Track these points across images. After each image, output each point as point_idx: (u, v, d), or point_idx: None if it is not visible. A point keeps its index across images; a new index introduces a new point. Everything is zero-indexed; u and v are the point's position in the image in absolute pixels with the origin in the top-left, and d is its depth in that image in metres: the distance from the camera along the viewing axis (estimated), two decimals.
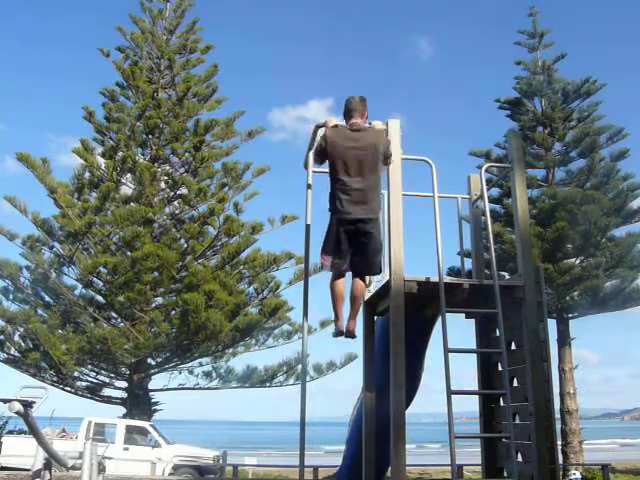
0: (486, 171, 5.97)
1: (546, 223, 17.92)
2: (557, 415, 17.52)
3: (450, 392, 4.62)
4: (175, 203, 19.95)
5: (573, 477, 14.79)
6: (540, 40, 21.39)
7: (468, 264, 7.72)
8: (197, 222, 18.63)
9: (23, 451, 13.02)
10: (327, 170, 5.03)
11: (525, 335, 5.00)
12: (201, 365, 19.91)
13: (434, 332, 5.68)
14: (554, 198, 18.39)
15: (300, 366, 16.26)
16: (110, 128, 19.79)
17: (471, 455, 14.04)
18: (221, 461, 16.89)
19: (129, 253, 17.78)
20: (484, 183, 5.69)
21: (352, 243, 4.81)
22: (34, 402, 4.14)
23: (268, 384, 19.52)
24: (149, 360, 18.73)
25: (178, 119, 20.13)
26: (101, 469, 5.10)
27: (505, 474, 5.46)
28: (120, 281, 17.11)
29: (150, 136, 19.85)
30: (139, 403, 18.33)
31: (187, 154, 19.91)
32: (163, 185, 20.17)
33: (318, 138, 5.27)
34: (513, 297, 5.10)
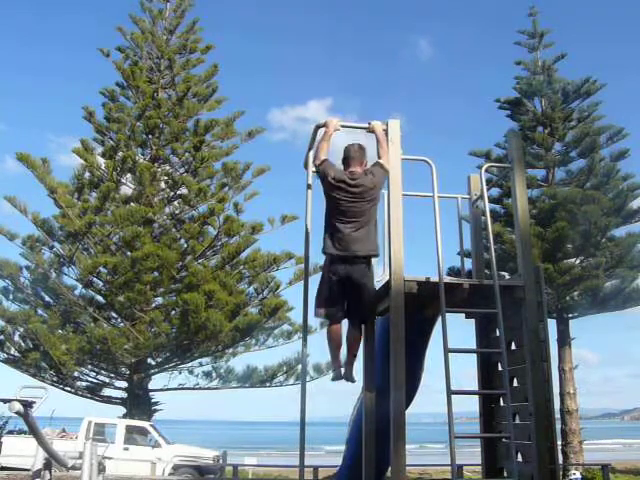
0: (486, 171, 5.96)
1: (546, 223, 17.92)
2: (557, 415, 17.52)
3: (450, 392, 4.62)
4: (175, 203, 19.96)
5: (573, 477, 14.79)
6: (540, 40, 21.39)
7: (468, 264, 7.72)
8: (197, 222, 18.63)
9: (23, 451, 13.02)
10: None
11: (525, 335, 5.00)
12: (201, 365, 19.93)
13: (434, 332, 5.67)
14: (554, 198, 18.39)
15: (300, 366, 16.28)
16: (110, 128, 19.79)
17: (471, 455, 14.05)
18: (221, 461, 16.90)
19: (129, 253, 17.78)
20: (484, 183, 5.69)
21: (346, 292, 4.90)
22: (34, 402, 4.14)
23: (268, 384, 19.52)
24: (149, 360, 18.73)
25: (178, 119, 20.13)
26: (101, 469, 5.10)
27: (505, 474, 5.46)
28: (120, 281, 17.11)
29: (150, 136, 19.85)
30: (139, 403, 18.33)
31: (187, 154, 19.91)
32: (163, 185, 20.18)
33: (318, 137, 5.28)
34: (513, 297, 5.10)
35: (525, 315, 5.02)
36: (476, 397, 5.96)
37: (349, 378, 5.03)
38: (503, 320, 4.85)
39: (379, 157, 5.12)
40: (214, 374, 19.92)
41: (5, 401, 3.83)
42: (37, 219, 18.02)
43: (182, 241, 18.95)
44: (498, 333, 5.12)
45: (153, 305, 18.85)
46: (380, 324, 5.59)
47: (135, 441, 16.28)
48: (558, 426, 17.35)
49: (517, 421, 5.17)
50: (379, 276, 5.74)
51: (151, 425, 16.97)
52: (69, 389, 18.62)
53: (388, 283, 4.89)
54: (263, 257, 18.47)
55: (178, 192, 19.71)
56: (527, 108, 21.03)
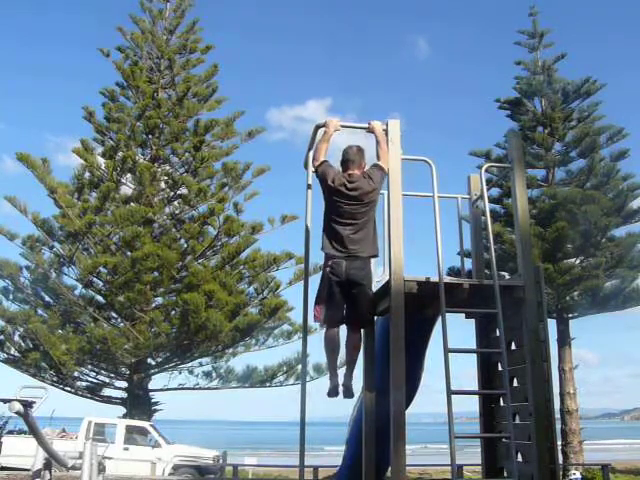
0: (486, 171, 5.96)
1: (546, 223, 17.92)
2: (557, 415, 17.52)
3: (450, 392, 4.61)
4: (175, 203, 19.96)
5: (573, 477, 14.79)
6: (540, 40, 21.39)
7: (468, 264, 7.71)
8: (197, 222, 18.64)
9: (23, 451, 13.01)
10: None
11: (525, 335, 4.99)
12: (201, 365, 19.95)
13: (434, 332, 5.67)
14: (554, 198, 18.39)
15: (300, 366, 16.27)
16: (110, 128, 19.79)
17: (471, 455, 14.05)
18: (221, 461, 16.89)
19: (129, 253, 17.78)
20: (484, 183, 5.68)
21: (344, 293, 4.87)
22: (34, 402, 4.14)
23: (268, 384, 19.53)
24: (149, 360, 18.73)
25: (178, 119, 20.13)
26: (101, 469, 5.11)
27: (505, 474, 5.45)
28: (120, 281, 17.11)
29: (150, 136, 19.85)
30: (139, 403, 18.33)
31: (187, 154, 19.92)
32: (163, 185, 20.18)
33: (318, 137, 5.28)
34: (513, 297, 5.09)
35: (525, 315, 5.01)
36: (476, 397, 5.95)
37: (347, 391, 4.97)
38: (503, 320, 4.85)
39: (378, 158, 5.12)
40: (214, 374, 19.94)
41: (5, 401, 3.83)
42: (37, 219, 18.02)
43: (182, 241, 18.96)
44: (498, 333, 5.11)
45: (153, 305, 18.85)
46: (380, 324, 5.59)
47: (135, 441, 16.27)
48: (558, 426, 17.35)
49: (517, 421, 5.17)
50: (379, 276, 5.74)
51: (151, 425, 16.96)
52: (69, 389, 18.63)
53: (388, 283, 4.88)
54: (263, 257, 18.47)
55: (178, 192, 19.72)
56: (527, 108, 21.03)
